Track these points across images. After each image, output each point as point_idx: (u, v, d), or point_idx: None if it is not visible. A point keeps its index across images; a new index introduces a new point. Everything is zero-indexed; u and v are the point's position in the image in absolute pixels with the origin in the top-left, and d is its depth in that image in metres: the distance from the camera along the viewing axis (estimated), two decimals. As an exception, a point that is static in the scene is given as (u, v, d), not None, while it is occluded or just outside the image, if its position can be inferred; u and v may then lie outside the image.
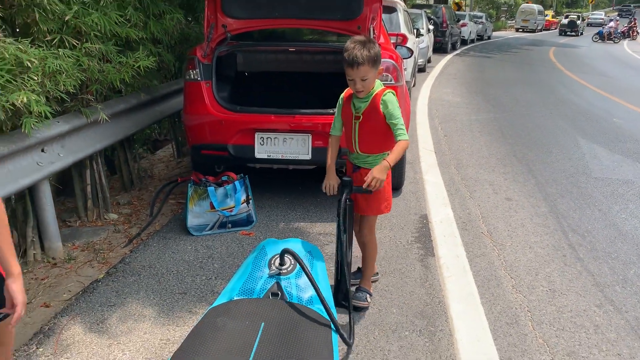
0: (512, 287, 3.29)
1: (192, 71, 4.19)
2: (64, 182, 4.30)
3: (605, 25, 35.41)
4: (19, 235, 3.51)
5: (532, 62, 18.92)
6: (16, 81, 2.90)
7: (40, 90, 3.09)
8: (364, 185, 2.64)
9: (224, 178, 4.10)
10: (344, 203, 2.74)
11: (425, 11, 16.14)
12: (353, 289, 3.02)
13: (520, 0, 52.73)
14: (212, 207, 3.90)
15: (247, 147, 4.14)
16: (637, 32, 35.76)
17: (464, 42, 25.60)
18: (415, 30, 11.27)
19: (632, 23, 36.73)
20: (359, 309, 2.95)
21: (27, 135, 3.14)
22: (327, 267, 2.85)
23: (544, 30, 44.92)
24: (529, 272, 3.48)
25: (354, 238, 3.03)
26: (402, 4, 11.25)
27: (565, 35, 38.58)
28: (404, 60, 5.38)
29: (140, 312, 2.92)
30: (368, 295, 3.01)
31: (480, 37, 30.41)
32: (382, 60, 2.81)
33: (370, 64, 2.62)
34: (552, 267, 3.57)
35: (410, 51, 6.29)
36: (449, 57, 19.29)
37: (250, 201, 4.06)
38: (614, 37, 32.64)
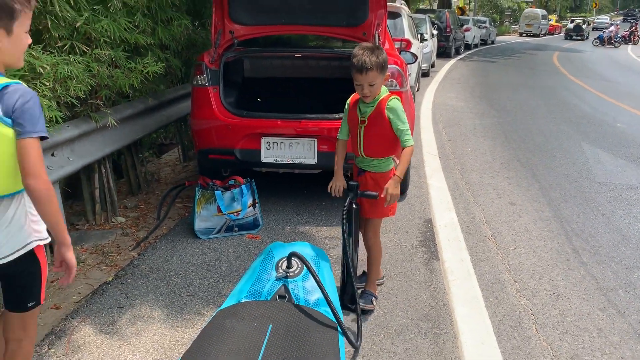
0: (516, 291, 3.32)
1: (200, 77, 4.24)
2: (73, 186, 4.36)
3: (606, 29, 35.44)
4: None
5: (536, 66, 18.96)
6: (29, 87, 2.95)
7: (52, 95, 3.15)
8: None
9: (231, 182, 4.15)
10: (350, 207, 2.78)
11: (429, 16, 16.21)
12: (359, 292, 3.06)
13: (524, 4, 52.85)
14: (219, 210, 3.94)
15: (254, 151, 4.19)
16: (639, 37, 35.78)
17: (467, 46, 25.67)
18: (419, 35, 11.33)
19: (634, 28, 36.77)
20: (365, 312, 2.99)
21: (39, 139, 3.18)
22: (333, 270, 2.90)
23: (547, 34, 44.97)
24: (533, 276, 3.52)
25: (360, 241, 3.08)
26: (406, 9, 11.31)
27: (571, 39, 38.67)
28: (408, 65, 5.43)
29: (150, 313, 2.97)
30: (373, 298, 3.05)
31: (484, 42, 30.48)
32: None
33: (378, 70, 2.70)
34: (555, 271, 3.60)
35: (415, 56, 6.34)
36: (452, 61, 19.35)
37: (257, 205, 4.11)
38: (614, 41, 32.69)
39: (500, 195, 5.09)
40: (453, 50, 21.41)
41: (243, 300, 2.44)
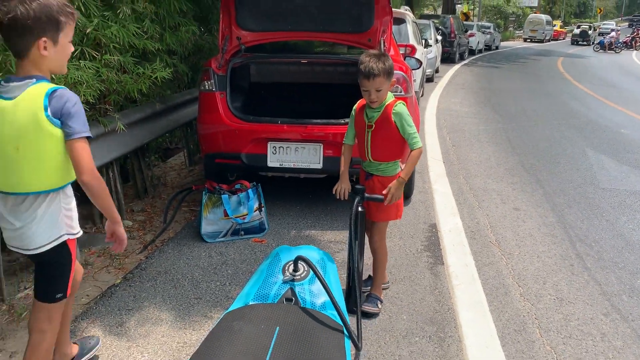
0: (520, 295, 3.35)
1: (207, 82, 4.29)
2: (80, 190, 4.40)
3: (607, 35, 35.53)
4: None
5: (540, 72, 18.98)
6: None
7: (62, 100, 3.19)
8: (385, 202, 2.84)
9: (237, 186, 4.20)
10: (356, 210, 2.82)
11: (433, 21, 16.27)
12: (364, 296, 3.10)
13: (528, 10, 52.90)
14: (226, 214, 3.99)
15: (260, 156, 4.23)
16: None
17: (471, 52, 25.72)
18: (423, 41, 11.38)
19: (635, 33, 36.81)
20: (370, 315, 3.02)
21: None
22: (339, 274, 2.92)
23: (552, 40, 44.99)
24: (537, 281, 3.54)
25: (366, 246, 3.11)
26: (411, 15, 11.37)
27: (577, 44, 38.76)
28: (413, 71, 5.48)
29: (158, 316, 3.01)
30: (379, 301, 3.09)
31: (488, 47, 30.52)
32: (392, 72, 2.92)
33: (385, 76, 2.76)
34: (559, 276, 3.62)
35: (419, 62, 6.38)
36: (457, 67, 19.39)
37: (263, 209, 4.15)
38: (615, 47, 32.73)
39: (505, 200, 5.12)
40: (457, 55, 21.47)
41: (250, 303, 2.47)
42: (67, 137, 1.89)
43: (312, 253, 2.79)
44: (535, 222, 4.60)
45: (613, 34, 34.64)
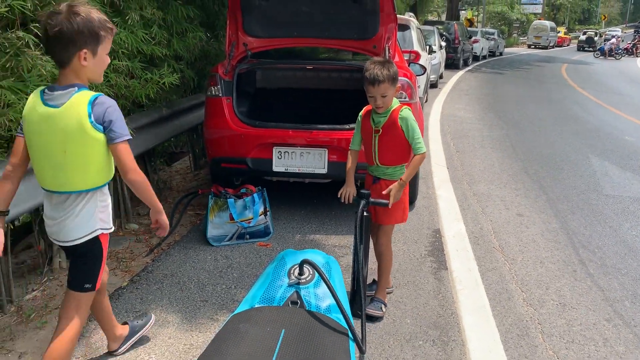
0: (523, 301, 3.37)
1: (214, 87, 4.34)
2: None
3: (607, 41, 35.58)
4: (45, 243, 3.64)
5: (544, 78, 19.00)
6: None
7: (73, 105, 3.24)
8: (387, 201, 2.89)
9: (243, 190, 4.24)
10: (361, 215, 2.86)
11: (437, 28, 16.33)
12: (368, 299, 3.13)
13: (532, 16, 52.95)
14: (232, 218, 4.03)
15: (265, 160, 4.27)
16: None
17: (475, 58, 25.79)
18: (427, 47, 11.43)
19: (636, 40, 36.84)
20: (374, 319, 3.05)
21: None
22: (343, 278, 2.96)
23: (556, 46, 45.00)
24: (540, 286, 3.57)
25: (370, 251, 3.15)
26: (415, 21, 11.43)
27: (583, 50, 38.79)
28: (417, 77, 5.52)
29: (165, 318, 3.05)
30: (383, 305, 3.12)
31: (492, 54, 30.57)
32: (397, 78, 2.97)
33: (390, 82, 2.82)
34: (562, 282, 3.65)
35: (423, 68, 6.42)
36: (460, 73, 19.44)
37: (268, 213, 4.19)
38: (615, 53, 32.75)
39: (508, 206, 5.15)
40: (461, 61, 21.52)
41: (256, 306, 2.51)
42: (111, 141, 2.08)
43: (317, 257, 2.82)
44: (539, 228, 4.62)
45: (613, 40, 34.67)
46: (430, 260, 3.90)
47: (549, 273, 3.77)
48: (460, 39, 21.00)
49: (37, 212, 3.55)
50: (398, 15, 4.80)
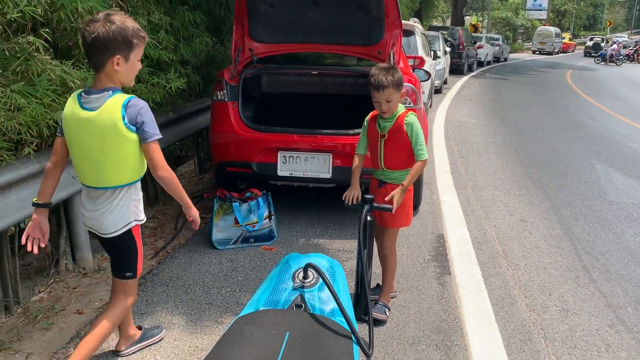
0: (526, 306, 3.39)
1: (220, 92, 4.38)
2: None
3: (609, 47, 35.60)
4: (52, 246, 3.68)
5: (549, 84, 19.01)
6: (60, 100, 3.10)
7: (80, 109, 3.28)
8: (390, 206, 2.92)
9: (248, 194, 4.27)
10: (365, 219, 2.89)
11: (442, 33, 16.37)
12: (372, 303, 3.15)
13: (537, 22, 52.94)
14: (236, 222, 4.06)
15: (270, 165, 4.31)
16: None
17: (480, 63, 25.79)
18: (432, 53, 11.46)
19: (638, 46, 36.87)
20: (378, 322, 3.07)
21: (67, 151, 3.33)
22: (347, 282, 2.98)
23: (561, 52, 44.97)
24: (543, 292, 3.58)
25: (374, 255, 3.17)
26: (420, 27, 11.46)
27: (590, 56, 38.80)
28: (421, 82, 5.54)
29: (170, 320, 3.08)
30: (387, 309, 3.14)
31: (496, 59, 30.58)
32: (402, 84, 3.01)
33: (394, 87, 2.86)
34: (565, 288, 3.66)
35: (428, 74, 6.44)
36: (465, 78, 19.46)
37: (273, 217, 4.22)
38: (616, 59, 32.77)
39: (512, 212, 5.16)
40: (466, 67, 21.55)
41: (261, 309, 2.53)
42: (143, 140, 2.25)
43: (321, 261, 2.84)
44: (542, 234, 4.64)
45: (615, 46, 34.73)
46: (434, 265, 3.92)
47: (552, 279, 3.79)
48: (464, 44, 21.03)
49: (44, 215, 3.59)
50: (403, 21, 4.83)
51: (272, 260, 3.89)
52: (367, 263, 3.03)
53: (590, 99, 14.89)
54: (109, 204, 2.34)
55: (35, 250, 2.40)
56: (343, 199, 3.12)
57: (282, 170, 4.31)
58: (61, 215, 3.69)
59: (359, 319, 2.94)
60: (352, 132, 4.20)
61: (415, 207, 4.88)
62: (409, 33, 9.66)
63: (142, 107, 2.24)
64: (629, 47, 38.39)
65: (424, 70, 6.47)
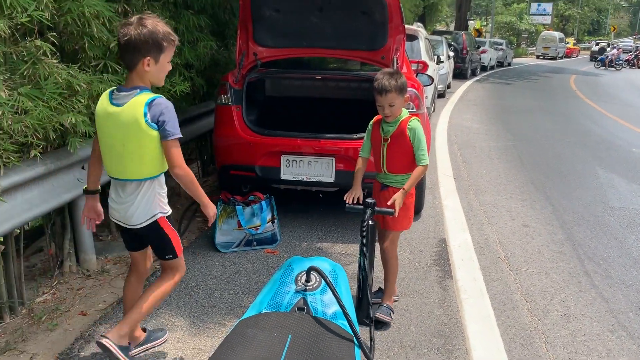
0: (528, 311, 3.40)
1: (224, 96, 4.41)
2: (98, 198, 4.51)
3: (608, 52, 35.62)
4: (56, 247, 3.71)
5: (552, 89, 19.00)
6: (66, 104, 3.14)
7: (86, 112, 3.32)
8: (392, 209, 2.93)
9: (251, 198, 4.29)
10: (367, 223, 2.91)
11: (445, 37, 16.40)
12: (375, 305, 3.16)
13: (541, 27, 52.95)
14: (240, 225, 4.08)
15: (274, 168, 4.33)
16: None
17: (483, 68, 25.80)
18: (435, 57, 11.48)
19: (638, 52, 36.89)
20: (382, 324, 3.09)
21: (73, 153, 3.36)
22: (349, 286, 3.00)
23: (565, 57, 44.95)
24: (544, 297, 3.59)
25: (376, 259, 3.19)
26: (423, 31, 11.49)
27: (596, 61, 38.80)
28: (424, 87, 5.57)
29: (173, 322, 3.10)
30: (391, 311, 3.16)
31: (500, 64, 30.58)
32: (406, 89, 3.04)
33: (397, 92, 2.90)
34: (567, 293, 3.67)
35: (431, 79, 6.48)
36: (468, 83, 19.47)
37: (276, 220, 4.24)
38: (616, 64, 32.81)
39: (514, 217, 5.17)
40: (469, 71, 21.56)
41: (264, 311, 2.55)
42: (163, 138, 2.35)
43: (323, 264, 2.86)
44: (544, 239, 4.64)
45: (614, 51, 34.79)
46: (436, 269, 3.94)
47: (553, 284, 3.80)
48: (468, 49, 21.05)
49: (49, 216, 3.62)
50: (406, 26, 4.86)
51: (274, 263, 3.91)
52: (369, 266, 3.04)
53: (593, 105, 14.88)
54: (134, 198, 2.45)
55: (94, 229, 2.71)
56: (344, 199, 3.14)
57: (286, 174, 4.34)
58: (65, 217, 3.72)
59: (360, 322, 2.95)
60: (355, 136, 4.22)
61: (418, 211, 4.90)
62: (413, 37, 9.69)
63: (166, 107, 2.33)
64: (630, 52, 38.39)
65: (428, 74, 6.50)
